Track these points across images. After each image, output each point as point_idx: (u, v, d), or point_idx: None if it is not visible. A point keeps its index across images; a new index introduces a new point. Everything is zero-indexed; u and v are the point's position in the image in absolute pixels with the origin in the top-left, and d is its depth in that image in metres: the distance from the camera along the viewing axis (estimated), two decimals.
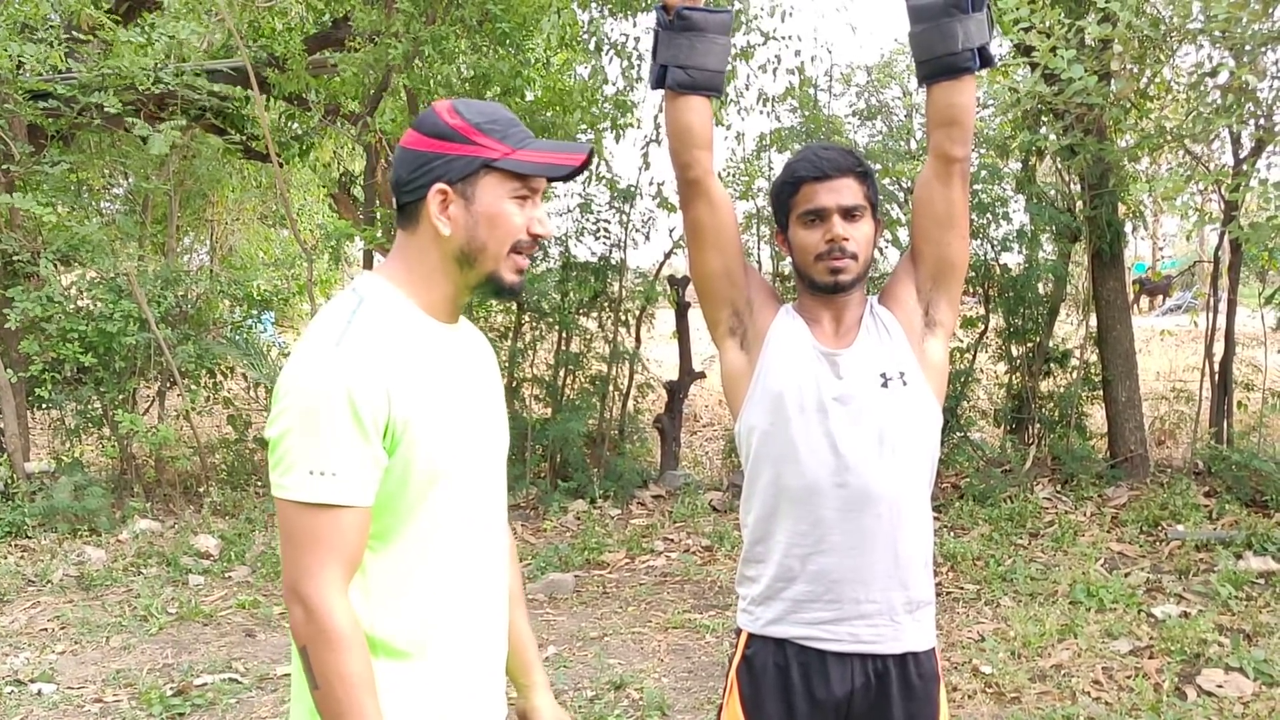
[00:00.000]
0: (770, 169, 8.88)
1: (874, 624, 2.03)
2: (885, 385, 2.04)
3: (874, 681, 2.03)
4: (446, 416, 1.66)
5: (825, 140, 2.18)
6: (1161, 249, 30.23)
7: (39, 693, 4.75)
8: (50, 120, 7.47)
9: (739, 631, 2.14)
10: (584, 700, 4.56)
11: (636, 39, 8.35)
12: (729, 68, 2.04)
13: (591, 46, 8.21)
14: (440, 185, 1.64)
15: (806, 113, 8.93)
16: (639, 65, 8.33)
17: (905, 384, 2.05)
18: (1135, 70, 6.17)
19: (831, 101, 9.61)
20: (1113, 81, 6.25)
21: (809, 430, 2.03)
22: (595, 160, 1.58)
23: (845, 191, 2.04)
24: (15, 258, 7.28)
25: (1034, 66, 7.16)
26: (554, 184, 1.79)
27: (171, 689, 4.75)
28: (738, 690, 2.09)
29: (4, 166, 7.26)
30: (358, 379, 1.55)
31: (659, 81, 2.08)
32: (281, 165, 10.89)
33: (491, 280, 1.69)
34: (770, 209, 2.21)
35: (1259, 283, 8.79)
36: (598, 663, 4.98)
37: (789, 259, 2.19)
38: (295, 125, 10.75)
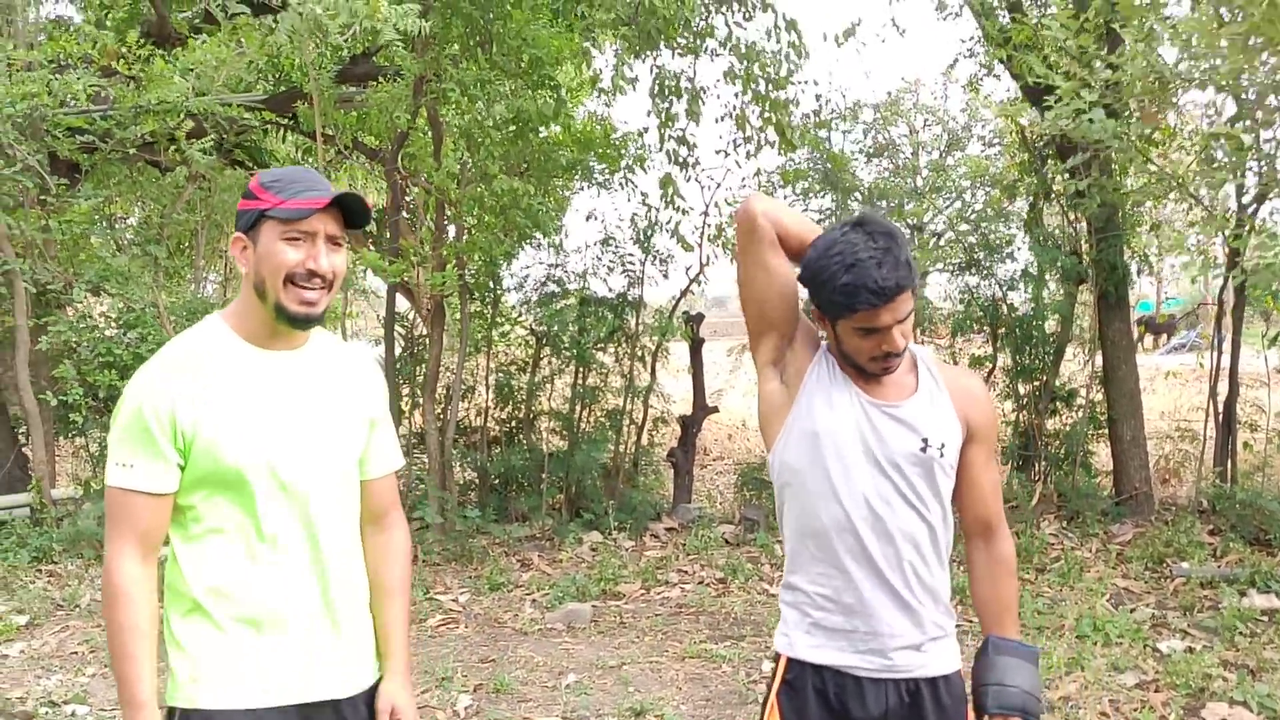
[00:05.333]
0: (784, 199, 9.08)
1: (903, 652, 2.17)
2: (924, 450, 2.16)
3: (907, 700, 2.18)
4: (241, 425, 1.99)
5: (855, 231, 2.11)
6: (1166, 291, 30.37)
7: (73, 714, 4.88)
8: (85, 155, 7.68)
9: (778, 656, 2.28)
10: None
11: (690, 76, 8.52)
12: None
13: (652, 92, 8.35)
14: (238, 234, 2.05)
15: (816, 151, 9.13)
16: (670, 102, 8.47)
17: (943, 455, 2.18)
18: (1146, 115, 6.36)
19: (842, 139, 9.85)
20: (1130, 123, 6.42)
21: (838, 472, 2.16)
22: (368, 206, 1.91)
23: (902, 307, 2.07)
24: (49, 287, 7.47)
25: (1043, 110, 7.35)
26: (351, 228, 2.07)
27: None
28: (779, 713, 2.23)
29: (41, 199, 7.46)
30: (147, 395, 1.97)
31: None
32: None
33: (278, 310, 2.02)
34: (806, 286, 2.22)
35: (1264, 322, 8.92)
36: (618, 690, 5.12)
37: (822, 331, 2.26)
38: (312, 160, 10.99)
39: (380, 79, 8.91)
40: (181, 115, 7.61)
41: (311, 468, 2.07)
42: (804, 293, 2.22)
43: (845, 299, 2.07)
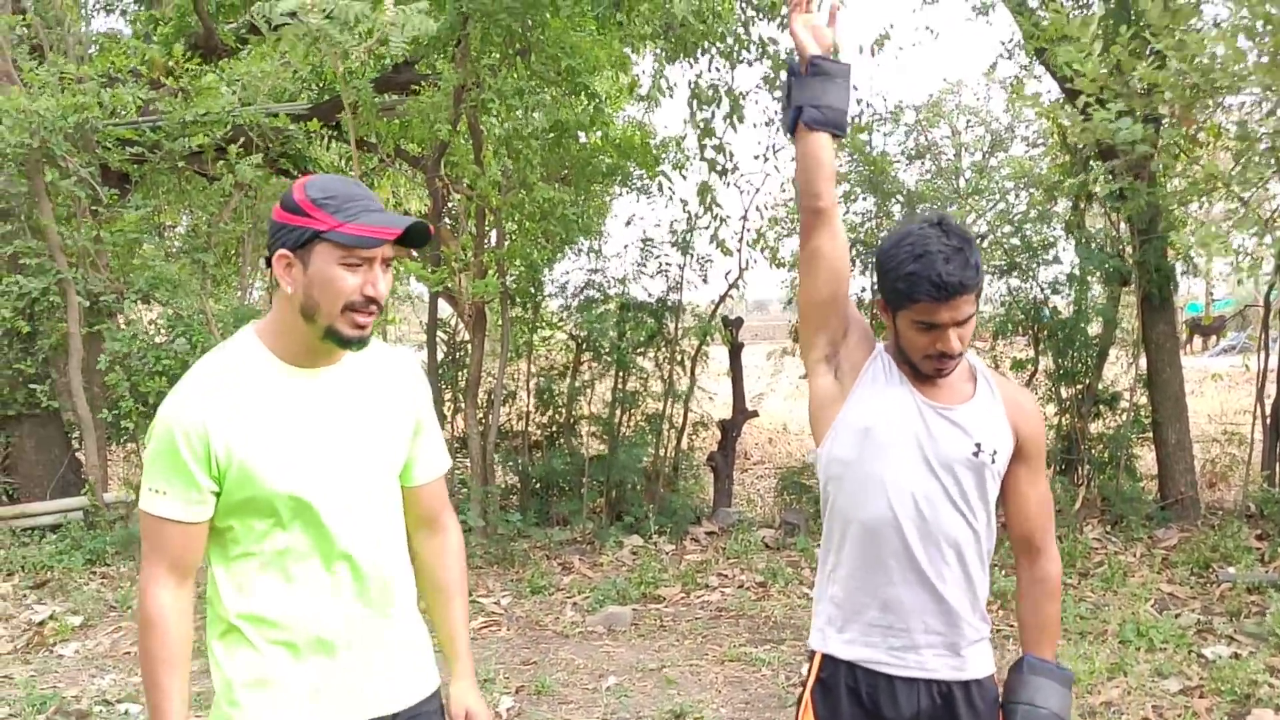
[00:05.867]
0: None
1: (938, 653, 2.19)
2: (977, 454, 2.18)
3: (939, 702, 2.20)
4: (277, 450, 1.93)
5: (932, 227, 2.14)
6: (1213, 291, 29.99)
7: (126, 712, 4.99)
8: (135, 166, 7.85)
9: (813, 653, 2.31)
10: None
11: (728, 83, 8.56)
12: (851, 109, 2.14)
13: (690, 101, 8.38)
14: (282, 251, 1.92)
15: (857, 155, 9.12)
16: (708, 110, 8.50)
17: (994, 461, 2.20)
18: (1184, 116, 6.31)
19: (884, 140, 9.83)
20: (1161, 129, 6.39)
21: (887, 469, 2.18)
22: (428, 235, 1.91)
23: (963, 308, 2.10)
24: (101, 298, 7.64)
25: (1084, 110, 7.32)
26: (414, 244, 1.99)
27: None
28: (812, 710, 2.26)
29: (93, 209, 7.63)
30: (179, 419, 1.90)
31: (793, 122, 2.25)
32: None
33: (331, 334, 1.93)
34: (875, 275, 2.25)
35: None
36: (658, 693, 5.15)
37: (883, 320, 2.28)
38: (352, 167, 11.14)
39: (422, 86, 9.04)
40: (228, 127, 7.76)
41: (350, 489, 2.02)
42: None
43: (907, 288, 2.11)
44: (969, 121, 12.42)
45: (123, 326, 7.93)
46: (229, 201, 8.80)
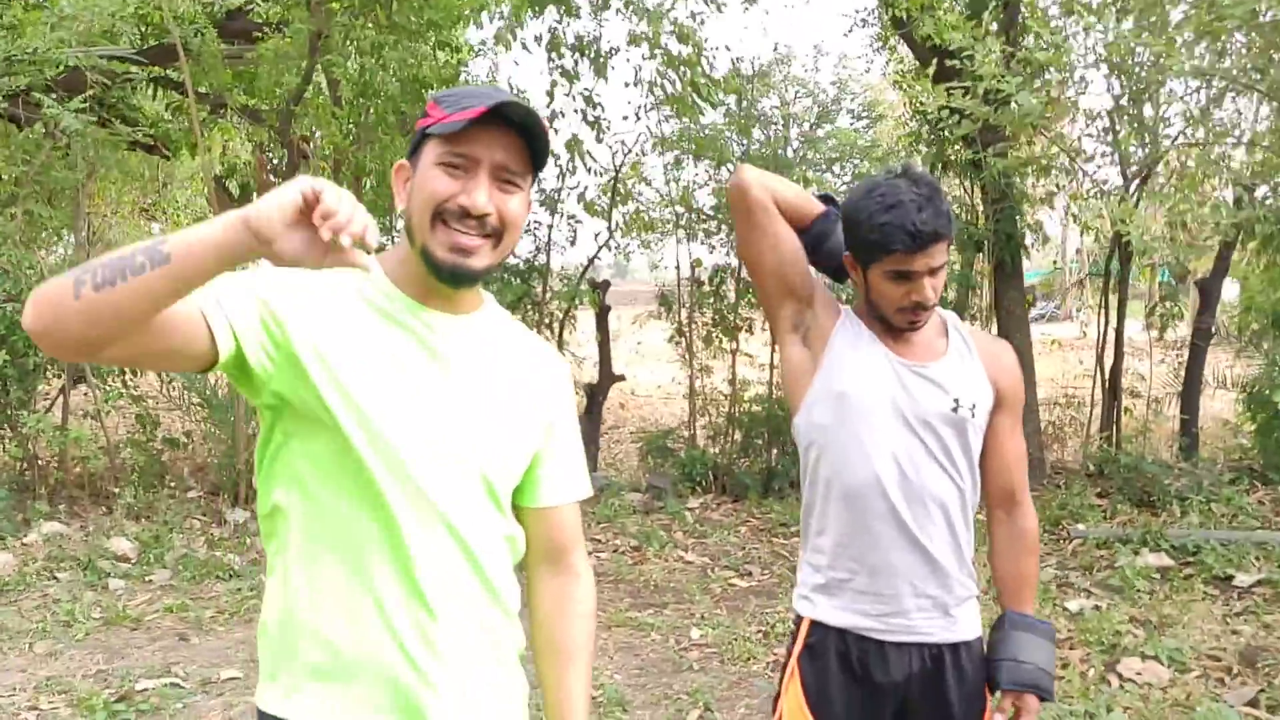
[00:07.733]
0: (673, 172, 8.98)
1: (928, 615, 2.16)
2: (956, 410, 2.15)
3: (930, 665, 2.17)
4: (354, 370, 1.53)
5: (899, 177, 2.06)
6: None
7: None
8: None
9: (799, 619, 2.25)
10: (540, 699, 4.59)
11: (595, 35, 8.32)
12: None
13: (549, 47, 8.11)
14: (402, 160, 1.62)
15: (688, 120, 8.94)
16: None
17: (974, 415, 2.17)
18: (1062, 96, 6.57)
19: (709, 111, 9.76)
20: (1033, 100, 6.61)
21: (867, 431, 2.13)
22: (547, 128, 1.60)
23: (937, 256, 2.07)
24: None
25: (949, 79, 7.49)
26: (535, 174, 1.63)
27: (112, 695, 4.62)
28: (799, 676, 2.19)
29: None
30: (268, 280, 1.52)
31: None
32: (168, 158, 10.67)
33: (426, 257, 1.55)
34: (848, 237, 2.18)
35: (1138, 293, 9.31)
36: None
37: (852, 279, 2.23)
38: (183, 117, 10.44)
39: (261, 35, 8.50)
40: (59, 67, 7.14)
41: (449, 461, 1.58)
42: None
43: (881, 239, 2.05)
44: (797, 92, 12.61)
45: None
46: (41, 151, 8.07)
